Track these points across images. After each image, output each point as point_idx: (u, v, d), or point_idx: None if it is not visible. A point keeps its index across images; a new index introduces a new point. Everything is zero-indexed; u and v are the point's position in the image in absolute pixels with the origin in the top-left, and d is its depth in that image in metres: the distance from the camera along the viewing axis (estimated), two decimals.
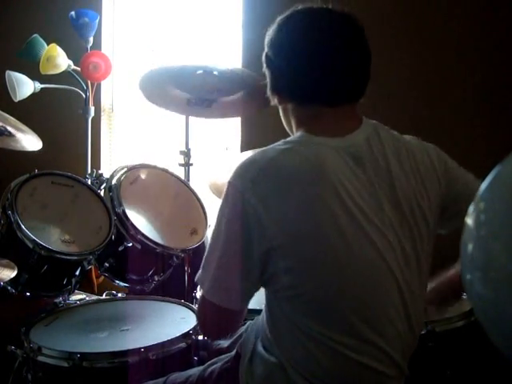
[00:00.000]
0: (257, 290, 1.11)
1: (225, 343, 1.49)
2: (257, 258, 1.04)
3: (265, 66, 1.19)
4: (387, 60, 2.30)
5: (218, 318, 1.14)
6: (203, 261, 1.11)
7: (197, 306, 1.30)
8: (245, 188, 1.05)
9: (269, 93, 1.20)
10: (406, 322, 1.11)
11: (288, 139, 1.13)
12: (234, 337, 1.46)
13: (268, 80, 1.19)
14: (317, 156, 1.07)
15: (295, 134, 1.16)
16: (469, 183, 1.21)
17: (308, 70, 1.13)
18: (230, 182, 1.08)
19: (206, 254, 1.11)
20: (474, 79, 2.33)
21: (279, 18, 1.18)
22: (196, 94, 2.12)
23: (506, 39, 2.27)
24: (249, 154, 2.19)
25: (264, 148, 1.11)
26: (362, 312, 1.07)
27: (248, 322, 1.32)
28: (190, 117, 2.25)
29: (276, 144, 1.11)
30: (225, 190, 1.09)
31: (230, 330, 1.25)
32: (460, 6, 2.34)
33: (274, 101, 1.20)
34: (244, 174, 1.07)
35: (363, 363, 1.07)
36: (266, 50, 1.19)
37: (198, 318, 1.30)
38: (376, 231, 1.07)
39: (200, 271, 1.12)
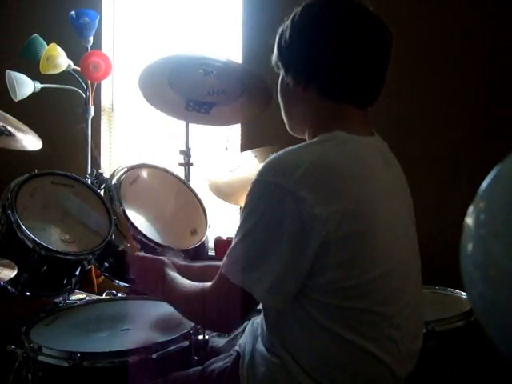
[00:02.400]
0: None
1: (221, 342, 1.49)
2: (312, 254, 1.01)
3: (289, 43, 1.12)
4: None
5: (236, 302, 1.08)
6: (248, 267, 1.04)
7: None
8: (293, 186, 1.00)
9: (289, 78, 1.14)
10: (415, 316, 1.14)
11: (323, 137, 1.09)
12: (231, 336, 1.46)
13: (290, 62, 1.13)
14: (360, 153, 1.09)
15: (324, 134, 1.11)
16: None
17: (346, 64, 1.09)
18: (267, 182, 1.03)
19: (246, 263, 1.05)
20: (474, 79, 2.33)
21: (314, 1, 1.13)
22: (194, 96, 2.11)
23: (507, 39, 2.27)
24: (249, 153, 2.20)
25: (297, 146, 1.07)
26: (388, 306, 1.08)
27: (246, 322, 1.32)
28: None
29: (309, 143, 1.10)
30: (257, 190, 1.04)
31: (237, 323, 1.25)
32: (461, 6, 2.34)
33: (295, 88, 1.14)
34: (291, 171, 1.01)
35: (378, 357, 1.07)
36: (296, 24, 1.12)
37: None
38: (401, 230, 1.12)
39: (246, 275, 1.04)
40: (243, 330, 1.34)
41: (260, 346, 1.16)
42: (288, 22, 1.14)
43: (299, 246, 1.01)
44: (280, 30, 1.16)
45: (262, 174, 1.04)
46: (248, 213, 1.05)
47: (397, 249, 1.10)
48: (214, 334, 1.55)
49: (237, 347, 1.25)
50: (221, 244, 2.51)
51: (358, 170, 1.06)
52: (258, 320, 1.22)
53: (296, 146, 1.07)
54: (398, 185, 1.16)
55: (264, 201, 1.03)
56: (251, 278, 1.04)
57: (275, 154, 1.06)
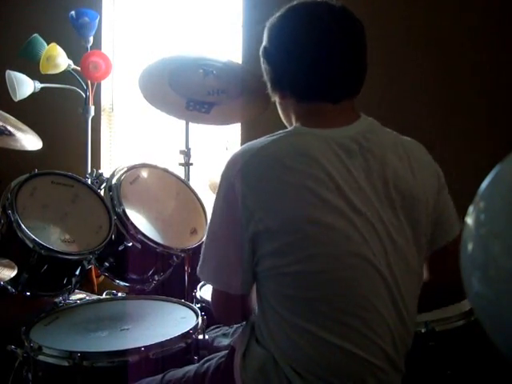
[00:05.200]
0: (253, 275, 1.13)
1: (226, 340, 1.49)
2: (246, 242, 1.08)
3: (264, 60, 1.19)
4: (388, 60, 2.30)
5: (223, 303, 1.20)
6: (202, 251, 1.16)
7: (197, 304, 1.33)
8: (234, 177, 1.08)
9: (269, 89, 1.20)
10: (394, 312, 1.11)
11: (280, 131, 1.15)
12: (236, 334, 1.47)
13: (268, 75, 1.19)
14: (304, 145, 1.10)
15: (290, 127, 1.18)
16: (451, 219, 1.23)
17: (311, 66, 1.13)
18: (221, 175, 1.12)
19: (203, 244, 1.16)
20: (475, 79, 2.34)
21: (279, 13, 1.18)
22: (195, 95, 2.11)
23: (508, 39, 2.27)
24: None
25: (255, 140, 1.13)
26: (343, 298, 1.08)
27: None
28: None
29: (267, 136, 1.14)
30: (219, 184, 1.13)
31: (239, 315, 1.25)
32: (463, 7, 2.34)
33: (275, 97, 1.21)
34: (233, 164, 1.10)
35: (347, 349, 1.07)
36: (265, 43, 1.19)
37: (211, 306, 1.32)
38: (362, 222, 1.08)
39: (200, 262, 1.16)
40: None
41: (253, 339, 1.18)
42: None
43: (238, 234, 1.08)
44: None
45: (223, 168, 1.13)
46: (213, 204, 1.15)
47: (344, 237, 1.06)
48: (219, 333, 1.55)
49: (231, 342, 1.27)
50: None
51: (296, 160, 1.07)
52: (253, 315, 1.23)
53: (254, 141, 1.13)
54: (360, 174, 1.10)
55: (218, 193, 1.13)
56: (202, 264, 1.15)
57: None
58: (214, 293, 1.20)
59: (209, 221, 1.16)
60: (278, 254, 1.07)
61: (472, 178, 1.21)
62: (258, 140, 1.13)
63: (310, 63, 1.13)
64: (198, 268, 1.17)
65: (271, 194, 1.07)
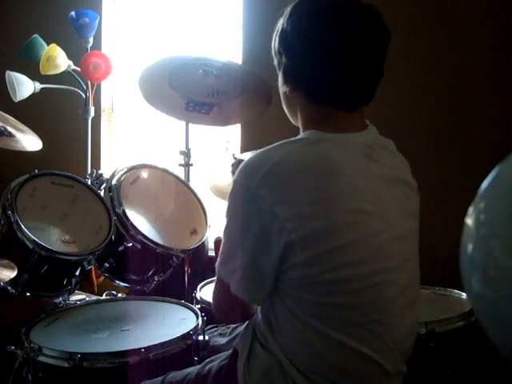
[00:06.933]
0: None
1: (222, 341, 1.49)
2: (277, 252, 1.04)
3: (280, 47, 1.13)
4: (389, 60, 2.30)
5: (231, 305, 1.17)
6: (224, 260, 1.12)
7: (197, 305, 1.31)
8: (256, 185, 1.04)
9: (281, 79, 1.16)
10: (405, 315, 1.13)
11: (296, 138, 1.13)
12: (232, 335, 1.47)
13: (282, 66, 1.14)
14: (328, 151, 1.08)
15: (304, 132, 1.14)
16: None
17: (335, 73, 1.10)
18: (237, 182, 1.08)
19: (223, 256, 1.13)
20: (475, 79, 2.33)
21: (307, 2, 1.11)
22: (194, 96, 2.11)
23: (508, 39, 2.27)
24: (249, 154, 2.20)
25: (270, 146, 1.09)
26: (368, 304, 1.08)
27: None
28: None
29: (282, 142, 1.10)
30: (232, 190, 1.09)
31: (243, 317, 1.25)
32: (464, 8, 2.34)
33: (285, 88, 1.16)
34: (253, 172, 1.06)
35: (364, 353, 1.08)
36: (286, 28, 1.11)
37: (213, 305, 1.26)
38: (384, 226, 1.09)
39: (223, 267, 1.13)
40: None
41: (256, 343, 1.17)
42: (279, 25, 1.15)
43: (263, 243, 1.05)
44: (275, 30, 1.16)
45: (237, 175, 1.09)
46: (226, 211, 1.12)
47: (372, 245, 1.08)
48: (215, 333, 1.55)
49: (234, 344, 1.26)
50: (221, 244, 2.51)
51: (321, 169, 1.06)
52: (255, 317, 1.23)
53: (270, 146, 1.10)
54: (382, 179, 1.12)
55: (235, 200, 1.09)
56: (227, 269, 1.12)
57: (252, 154, 1.11)
58: (223, 294, 1.15)
59: (225, 229, 1.12)
60: (310, 263, 1.04)
61: (472, 178, 1.22)
62: (273, 147, 1.09)
63: (334, 69, 1.09)
64: (222, 271, 1.13)
65: (303, 203, 1.03)
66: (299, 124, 1.19)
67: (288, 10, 1.13)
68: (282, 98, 1.21)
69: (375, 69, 1.13)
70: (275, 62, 1.17)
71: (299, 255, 1.04)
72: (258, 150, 1.10)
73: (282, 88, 1.18)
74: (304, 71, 1.11)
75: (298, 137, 1.13)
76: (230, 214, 1.10)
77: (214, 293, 1.21)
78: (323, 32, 1.08)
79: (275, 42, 1.15)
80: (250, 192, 1.05)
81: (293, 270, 1.06)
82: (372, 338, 1.08)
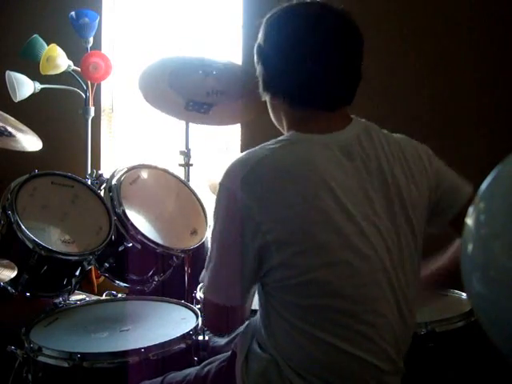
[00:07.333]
0: (255, 286, 1.13)
1: (222, 341, 1.49)
2: (252, 253, 1.06)
3: (257, 59, 1.17)
4: (388, 60, 2.30)
5: (219, 315, 1.16)
6: (206, 261, 1.13)
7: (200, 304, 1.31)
8: (236, 187, 1.06)
9: (260, 87, 1.19)
10: (398, 316, 1.11)
11: (278, 138, 1.14)
12: (232, 335, 1.47)
13: (260, 75, 1.18)
14: (307, 152, 1.09)
15: (286, 134, 1.16)
16: (455, 184, 1.24)
17: (308, 75, 1.11)
18: (220, 184, 1.10)
19: (208, 254, 1.13)
20: (475, 79, 2.33)
21: (277, 11, 1.16)
22: (194, 96, 2.11)
23: (508, 39, 2.27)
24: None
25: (254, 148, 1.11)
26: (354, 304, 1.07)
27: (247, 322, 1.32)
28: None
29: (266, 144, 1.12)
30: (217, 192, 1.11)
31: (232, 326, 1.24)
32: (464, 8, 2.34)
33: (265, 96, 1.19)
34: (234, 174, 1.08)
35: (356, 355, 1.07)
36: (260, 41, 1.17)
37: (203, 315, 1.31)
38: (368, 225, 1.08)
39: (203, 271, 1.14)
40: None
41: (254, 344, 1.17)
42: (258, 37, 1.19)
43: (241, 244, 1.06)
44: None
45: (221, 177, 1.11)
46: (213, 213, 1.13)
47: (352, 244, 1.06)
48: None
49: (233, 346, 1.26)
50: None
51: (298, 171, 1.07)
52: (254, 319, 1.23)
53: (254, 148, 1.11)
54: (364, 176, 1.11)
55: (218, 202, 1.11)
56: (205, 274, 1.13)
57: (238, 156, 1.13)
58: (209, 304, 1.15)
59: (212, 231, 1.13)
60: (289, 265, 1.05)
61: (472, 179, 1.22)
62: (256, 149, 1.11)
63: (307, 71, 1.11)
64: (201, 275, 1.15)
65: (278, 205, 1.05)
66: (282, 126, 1.21)
67: (263, 21, 1.18)
68: (267, 105, 1.23)
69: (350, 70, 1.14)
70: (257, 73, 1.20)
71: (275, 257, 1.05)
72: (244, 152, 1.12)
73: (263, 96, 1.20)
74: (279, 77, 1.14)
75: (280, 138, 1.14)
76: (215, 216, 1.12)
77: (204, 311, 1.23)
78: (294, 38, 1.12)
79: (254, 54, 1.19)
80: (231, 194, 1.07)
81: (272, 272, 1.07)
82: (363, 339, 1.08)
